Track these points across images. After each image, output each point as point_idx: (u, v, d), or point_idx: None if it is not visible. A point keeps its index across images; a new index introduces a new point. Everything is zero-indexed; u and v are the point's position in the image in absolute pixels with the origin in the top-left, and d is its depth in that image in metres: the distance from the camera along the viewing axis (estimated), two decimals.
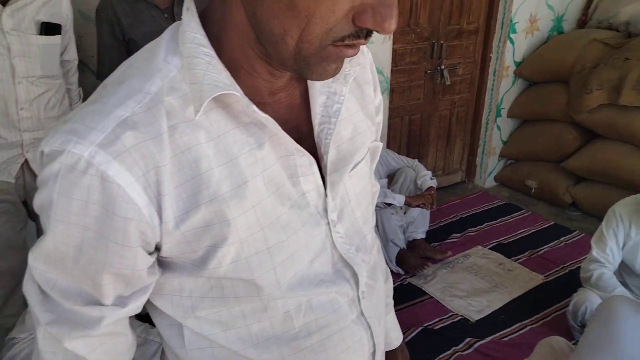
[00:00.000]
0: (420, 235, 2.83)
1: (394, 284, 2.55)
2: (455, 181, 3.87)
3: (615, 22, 3.35)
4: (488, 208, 3.46)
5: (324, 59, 0.48)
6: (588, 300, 1.97)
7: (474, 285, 2.56)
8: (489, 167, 3.79)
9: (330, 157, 0.59)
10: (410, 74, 3.21)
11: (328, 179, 0.59)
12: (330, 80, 0.58)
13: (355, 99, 0.65)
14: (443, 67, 3.27)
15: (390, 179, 2.95)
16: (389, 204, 2.55)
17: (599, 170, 3.11)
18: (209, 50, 0.50)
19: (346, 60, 0.56)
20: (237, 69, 0.52)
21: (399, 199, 2.52)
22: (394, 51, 3.01)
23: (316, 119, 0.58)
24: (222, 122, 0.51)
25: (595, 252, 2.08)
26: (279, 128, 0.53)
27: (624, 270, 2.14)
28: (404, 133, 3.40)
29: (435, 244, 2.96)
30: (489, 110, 3.61)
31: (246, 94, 0.51)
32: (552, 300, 2.43)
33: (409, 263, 2.66)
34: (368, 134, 0.67)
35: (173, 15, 1.89)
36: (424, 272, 2.64)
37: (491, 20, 3.34)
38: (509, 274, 2.66)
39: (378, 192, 0.85)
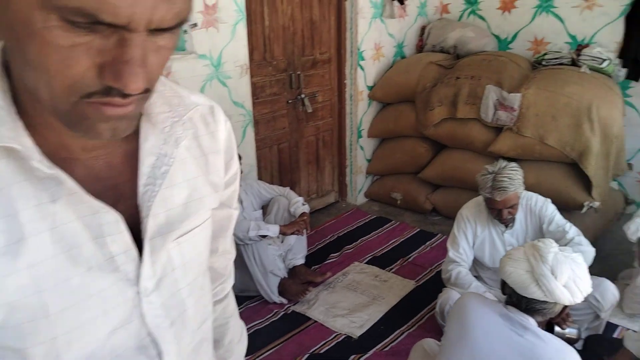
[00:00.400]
0: (300, 260, 2.87)
1: (278, 315, 2.54)
2: (329, 202, 4.02)
3: (445, 46, 3.82)
4: (361, 224, 3.65)
5: (84, 117, 0.45)
6: (450, 298, 2.16)
7: (354, 302, 2.65)
8: (358, 184, 4.02)
9: (155, 221, 0.56)
10: (272, 105, 3.28)
11: (148, 243, 0.56)
12: (162, 141, 0.57)
13: (197, 165, 0.64)
14: (303, 95, 3.41)
15: (265, 209, 2.96)
16: (264, 236, 2.55)
17: (449, 176, 3.48)
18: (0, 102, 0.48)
19: (179, 123, 0.58)
20: (34, 123, 0.50)
21: (273, 230, 2.53)
22: (253, 84, 3.06)
23: (142, 180, 0.56)
24: (8, 174, 0.48)
25: (451, 253, 2.30)
26: (76, 185, 0.50)
27: (477, 265, 2.40)
28: (274, 162, 3.45)
29: (316, 266, 3.03)
30: (351, 132, 3.84)
31: (50, 149, 0.50)
32: (424, 302, 2.62)
33: (290, 291, 2.67)
34: (208, 201, 0.65)
35: None
36: (307, 297, 2.67)
37: (341, 50, 3.58)
38: (384, 285, 2.82)
39: (230, 259, 0.82)
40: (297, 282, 2.77)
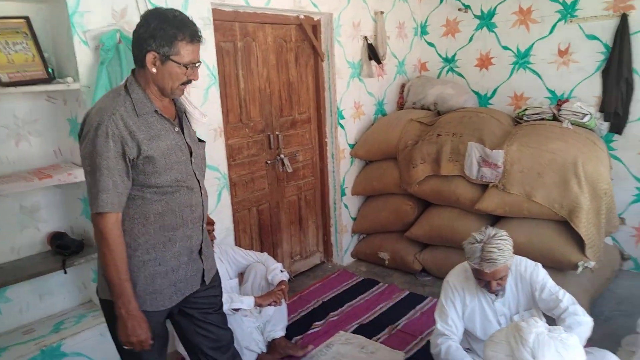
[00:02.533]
0: (280, 332, 2.67)
1: None
2: (315, 263, 3.84)
3: (426, 103, 3.80)
4: (348, 287, 3.46)
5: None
6: None
7: None
8: (344, 244, 3.86)
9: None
10: (251, 166, 3.19)
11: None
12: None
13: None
14: (283, 156, 3.33)
15: (241, 277, 2.78)
16: (239, 309, 2.36)
17: (436, 235, 3.33)
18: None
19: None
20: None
21: (247, 302, 2.34)
22: (229, 146, 2.98)
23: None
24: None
25: (439, 325, 2.11)
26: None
27: (468, 337, 2.21)
28: (254, 224, 3.31)
29: (297, 337, 2.82)
30: (334, 190, 3.73)
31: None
32: None
33: None
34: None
35: (182, 126, 1.65)
36: None
37: (320, 109, 3.55)
38: (371, 357, 2.60)
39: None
40: (276, 356, 2.56)
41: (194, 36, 1.51)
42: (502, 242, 1.90)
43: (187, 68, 1.52)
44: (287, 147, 3.39)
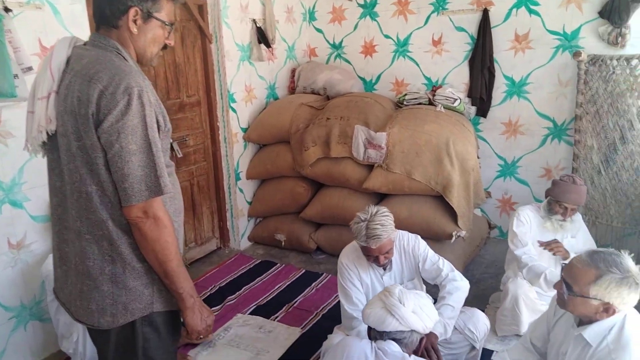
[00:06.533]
0: None
1: None
2: (211, 249, 3.79)
3: (316, 88, 3.92)
4: (245, 270, 3.48)
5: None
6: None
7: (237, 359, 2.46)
8: (241, 228, 3.86)
9: None
10: None
11: None
12: None
13: None
14: (172, 140, 3.20)
15: None
16: None
17: (329, 215, 3.49)
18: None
19: None
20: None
21: None
22: None
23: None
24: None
25: (346, 307, 2.18)
26: None
27: None
28: None
29: None
30: (229, 175, 3.70)
31: None
32: (310, 351, 2.51)
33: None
34: None
35: None
36: None
37: (210, 92, 3.47)
38: (269, 336, 2.67)
39: None
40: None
41: None
42: (384, 218, 2.05)
43: (168, 28, 1.35)
44: (175, 131, 3.27)
